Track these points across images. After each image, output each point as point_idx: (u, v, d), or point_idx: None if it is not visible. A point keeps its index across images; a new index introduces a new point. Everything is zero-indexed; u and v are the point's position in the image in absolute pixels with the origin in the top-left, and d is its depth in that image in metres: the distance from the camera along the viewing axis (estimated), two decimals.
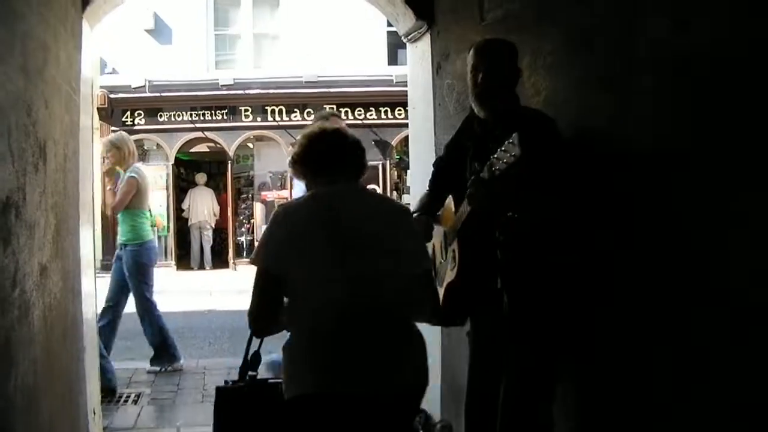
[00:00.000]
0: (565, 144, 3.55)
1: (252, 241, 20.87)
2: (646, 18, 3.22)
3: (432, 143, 5.54)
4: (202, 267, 20.90)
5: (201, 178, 21.48)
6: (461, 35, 5.03)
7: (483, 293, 3.64)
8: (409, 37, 6.06)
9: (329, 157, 3.30)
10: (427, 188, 4.24)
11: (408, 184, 17.99)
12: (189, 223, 21.22)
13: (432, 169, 4.26)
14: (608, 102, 3.51)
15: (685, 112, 2.99)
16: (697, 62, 2.89)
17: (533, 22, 4.11)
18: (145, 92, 19.86)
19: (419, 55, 5.97)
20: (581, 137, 3.58)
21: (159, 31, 20.19)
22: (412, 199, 6.04)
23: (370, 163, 21.17)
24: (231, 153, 20.76)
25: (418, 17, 5.64)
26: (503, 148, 3.15)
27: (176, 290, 14.51)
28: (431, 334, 4.43)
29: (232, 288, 15.10)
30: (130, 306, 7.55)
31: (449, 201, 3.79)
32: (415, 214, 3.87)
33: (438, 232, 3.97)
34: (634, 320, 3.28)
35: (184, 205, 21.29)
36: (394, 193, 20.67)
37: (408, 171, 16.33)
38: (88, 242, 5.27)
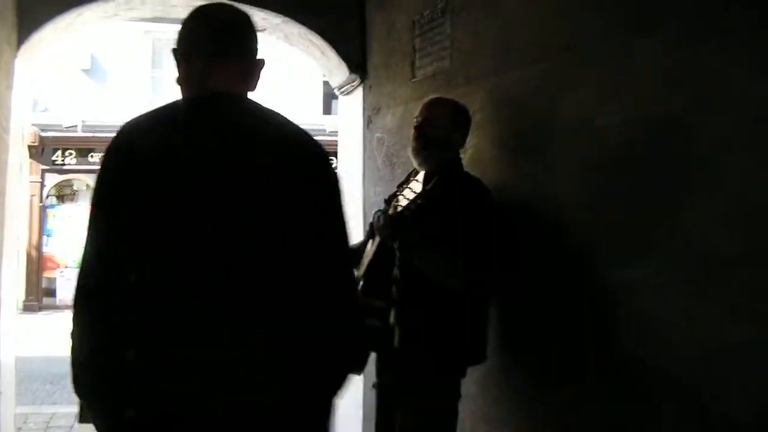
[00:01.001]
0: (489, 218, 3.53)
1: None
2: (568, 87, 3.40)
3: (361, 195, 5.60)
4: None
5: None
6: (392, 90, 5.13)
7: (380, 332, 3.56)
8: (341, 90, 6.13)
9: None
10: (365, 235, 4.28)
11: None
12: None
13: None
14: (531, 162, 3.65)
15: (599, 180, 3.23)
16: (610, 134, 3.14)
17: (463, 81, 4.22)
18: (78, 132, 19.66)
19: (351, 107, 6.06)
20: (504, 194, 3.66)
21: (95, 71, 20.06)
22: None
23: None
24: None
25: (352, 71, 5.73)
26: (409, 186, 3.28)
27: None
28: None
29: None
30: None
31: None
32: None
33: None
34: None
35: None
36: None
37: None
38: (10, 282, 5.21)
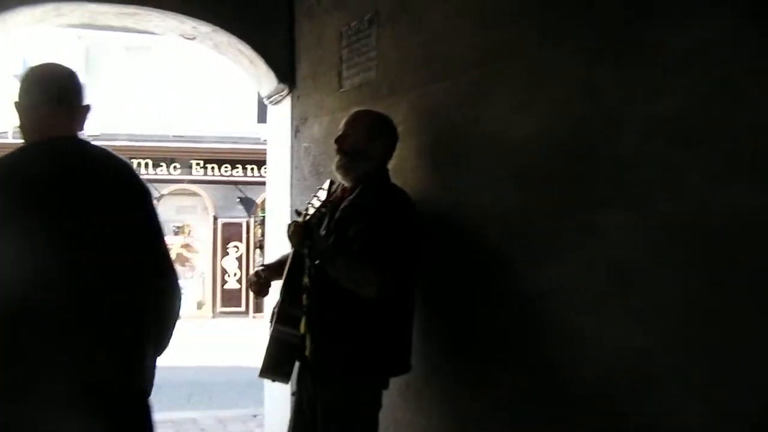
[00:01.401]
0: (404, 226, 3.57)
1: None
2: (487, 99, 3.49)
3: (288, 204, 5.63)
4: None
5: None
6: (319, 101, 5.17)
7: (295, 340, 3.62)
8: (270, 100, 6.17)
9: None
10: None
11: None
12: None
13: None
14: (451, 173, 3.73)
15: (514, 190, 3.33)
16: (523, 146, 3.25)
17: (387, 93, 4.28)
18: (8, 138, 19.34)
19: (279, 117, 6.09)
20: (425, 204, 3.72)
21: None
22: (268, 257, 6.09)
23: (234, 220, 21.33)
24: None
25: (280, 80, 5.76)
26: (316, 194, 3.33)
27: None
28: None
29: None
30: None
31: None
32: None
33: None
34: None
35: None
36: (258, 251, 20.61)
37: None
38: None
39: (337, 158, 3.70)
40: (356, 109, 3.93)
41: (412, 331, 3.63)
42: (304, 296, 3.54)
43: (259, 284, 3.91)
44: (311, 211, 3.38)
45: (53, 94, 2.86)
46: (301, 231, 3.40)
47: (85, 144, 2.93)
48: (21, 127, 2.86)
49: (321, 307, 3.51)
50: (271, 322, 3.74)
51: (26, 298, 2.54)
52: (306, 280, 3.54)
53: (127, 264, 2.74)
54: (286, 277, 3.68)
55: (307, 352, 3.54)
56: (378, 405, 3.63)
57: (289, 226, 3.46)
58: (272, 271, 3.98)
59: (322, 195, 3.38)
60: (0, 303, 2.53)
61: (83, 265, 2.63)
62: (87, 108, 2.96)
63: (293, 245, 3.54)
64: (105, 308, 2.67)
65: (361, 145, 3.67)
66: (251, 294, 20.22)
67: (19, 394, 2.52)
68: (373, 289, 3.41)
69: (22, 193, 2.65)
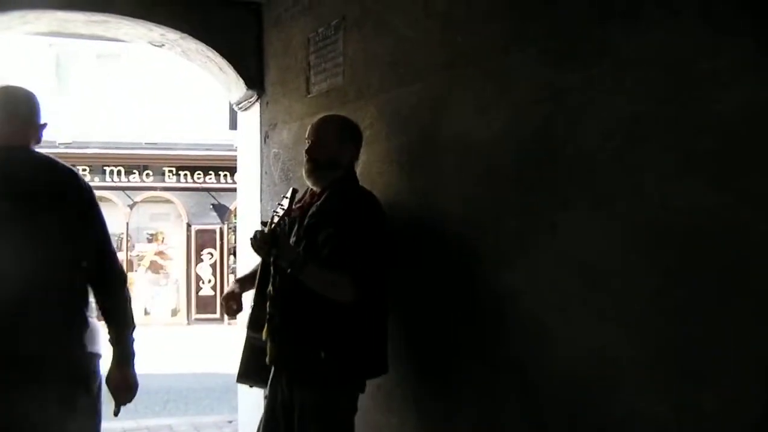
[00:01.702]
0: (374, 229, 3.58)
1: None
2: (453, 103, 3.53)
3: (258, 210, 5.65)
4: None
5: None
6: (288, 106, 5.20)
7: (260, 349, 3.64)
8: (239, 106, 6.18)
9: None
10: None
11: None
12: None
13: None
14: (419, 176, 3.77)
15: (481, 191, 3.38)
16: (487, 148, 3.31)
17: (354, 97, 4.31)
18: None
19: (249, 123, 6.11)
20: (392, 208, 3.74)
21: None
22: (240, 263, 6.10)
23: (208, 227, 21.28)
24: None
25: (249, 87, 5.78)
26: (280, 203, 3.35)
27: None
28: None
29: None
30: None
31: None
32: (233, 282, 4.00)
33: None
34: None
35: None
36: (232, 257, 20.57)
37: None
38: None
39: (307, 165, 3.70)
40: (322, 114, 3.94)
41: (386, 333, 3.64)
42: (267, 303, 3.55)
43: (230, 307, 3.89)
44: (276, 219, 3.40)
45: (9, 110, 3.41)
46: (267, 240, 3.41)
47: (32, 152, 3.44)
48: None
49: (285, 314, 3.52)
50: (246, 327, 3.77)
51: None
52: (269, 288, 3.56)
53: (63, 254, 3.25)
54: (257, 285, 3.70)
55: (267, 359, 3.57)
56: (354, 409, 3.65)
57: (255, 235, 3.48)
58: (243, 283, 4.00)
59: (286, 203, 3.40)
60: None
61: (24, 256, 3.10)
62: (42, 125, 3.53)
63: (259, 255, 3.56)
64: (38, 291, 3.14)
65: (332, 153, 3.68)
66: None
67: None
68: (348, 292, 3.42)
69: None
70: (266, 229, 3.42)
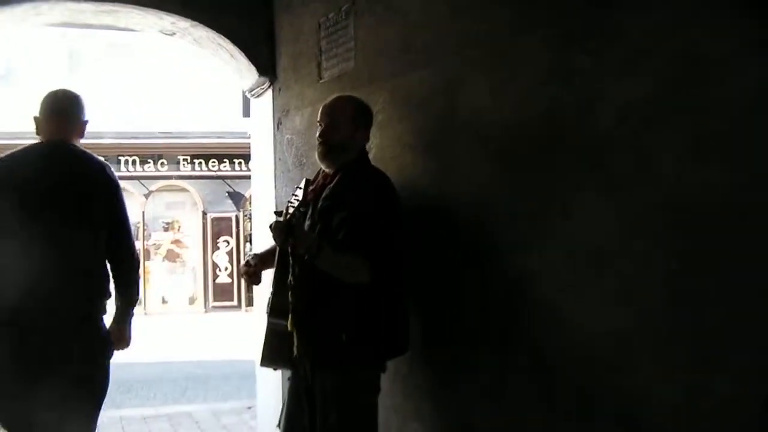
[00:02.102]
0: (391, 210, 3.61)
1: None
2: (464, 86, 3.52)
3: (273, 197, 5.65)
4: None
5: None
6: (300, 92, 5.20)
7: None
8: (252, 93, 6.18)
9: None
10: None
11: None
12: None
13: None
14: (431, 160, 3.76)
15: (494, 175, 3.38)
16: (500, 132, 3.31)
17: (366, 82, 4.30)
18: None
19: (261, 110, 6.11)
20: (406, 191, 3.75)
21: (10, 77, 19.70)
22: (256, 249, 6.11)
23: (224, 215, 21.34)
24: None
25: (261, 74, 5.77)
26: (294, 193, 3.34)
27: None
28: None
29: None
30: None
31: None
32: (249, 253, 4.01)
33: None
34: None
35: None
36: (248, 244, 20.62)
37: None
38: None
39: (320, 149, 3.71)
40: (333, 96, 3.93)
41: (406, 312, 3.67)
42: (290, 294, 3.53)
43: (249, 273, 3.92)
44: (291, 210, 3.40)
45: (54, 109, 4.12)
46: (283, 229, 3.42)
47: (70, 146, 4.10)
48: (36, 131, 4.13)
49: (307, 304, 3.52)
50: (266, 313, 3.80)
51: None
52: (290, 278, 3.54)
53: (89, 237, 4.00)
54: (275, 271, 3.71)
55: (295, 350, 3.56)
56: (377, 389, 3.68)
57: (271, 225, 3.48)
58: (263, 258, 3.98)
59: (300, 194, 3.39)
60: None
61: (59, 235, 3.87)
62: (84, 122, 4.20)
63: (277, 243, 3.57)
64: (68, 257, 3.89)
65: (346, 136, 3.69)
66: (243, 287, 20.50)
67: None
68: (365, 274, 3.44)
69: (18, 180, 3.95)
70: (282, 219, 3.43)
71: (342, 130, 3.69)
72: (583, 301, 2.86)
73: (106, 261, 4.09)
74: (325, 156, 3.71)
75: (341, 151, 3.68)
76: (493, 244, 3.37)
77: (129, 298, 4.21)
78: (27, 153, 4.07)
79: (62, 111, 4.12)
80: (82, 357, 3.91)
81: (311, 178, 3.88)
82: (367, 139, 3.83)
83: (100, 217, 4.02)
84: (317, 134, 3.73)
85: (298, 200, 3.38)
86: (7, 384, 3.86)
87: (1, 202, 3.87)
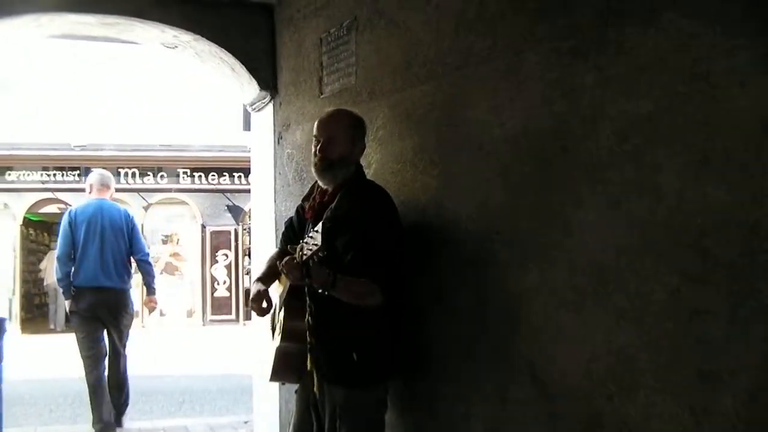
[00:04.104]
0: (393, 228, 3.62)
1: None
2: (466, 102, 3.52)
3: (272, 211, 5.65)
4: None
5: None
6: (301, 107, 5.20)
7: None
8: (253, 107, 6.18)
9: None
10: (278, 246, 4.35)
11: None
12: (45, 284, 20.79)
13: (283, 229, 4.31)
14: (432, 176, 3.75)
15: (494, 192, 3.36)
16: (501, 148, 3.30)
17: (367, 97, 4.30)
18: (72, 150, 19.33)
19: (262, 124, 6.11)
20: (405, 207, 3.75)
21: (10, 87, 19.72)
22: (254, 264, 6.11)
23: (222, 228, 21.35)
24: None
25: (262, 88, 5.77)
26: (311, 235, 3.30)
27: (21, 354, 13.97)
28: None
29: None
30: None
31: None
32: (254, 283, 3.95)
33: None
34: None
35: (42, 266, 20.77)
36: (247, 258, 20.60)
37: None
38: None
39: (319, 164, 3.69)
40: (329, 110, 3.92)
41: (403, 330, 3.72)
42: (307, 333, 3.57)
43: (261, 308, 3.80)
44: (306, 251, 3.33)
45: (101, 182, 7.72)
46: (298, 268, 3.40)
47: (107, 202, 7.65)
48: (88, 192, 7.80)
49: (325, 329, 3.56)
50: (272, 333, 3.84)
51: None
52: (308, 317, 3.57)
53: (121, 248, 7.52)
54: (286, 297, 3.73)
55: (308, 365, 3.59)
56: (385, 406, 3.73)
57: (286, 263, 3.44)
58: (266, 281, 3.94)
59: (319, 238, 3.29)
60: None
61: (106, 249, 7.41)
62: (113, 191, 7.90)
63: (291, 281, 3.56)
64: (110, 259, 7.41)
65: (345, 151, 3.68)
66: (241, 301, 20.46)
67: None
68: (377, 297, 3.47)
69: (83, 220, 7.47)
70: (296, 256, 3.39)
71: (341, 145, 3.67)
72: (585, 319, 2.84)
73: (130, 258, 7.69)
74: (324, 172, 3.69)
75: (341, 167, 3.67)
76: (495, 260, 3.35)
77: (148, 276, 7.94)
78: (88, 204, 7.53)
79: (105, 184, 7.74)
80: (123, 307, 7.55)
81: (305, 194, 3.88)
82: (363, 151, 3.83)
83: (125, 239, 7.58)
84: (315, 149, 3.71)
85: (316, 245, 3.28)
86: (88, 318, 7.32)
87: (81, 230, 7.39)
